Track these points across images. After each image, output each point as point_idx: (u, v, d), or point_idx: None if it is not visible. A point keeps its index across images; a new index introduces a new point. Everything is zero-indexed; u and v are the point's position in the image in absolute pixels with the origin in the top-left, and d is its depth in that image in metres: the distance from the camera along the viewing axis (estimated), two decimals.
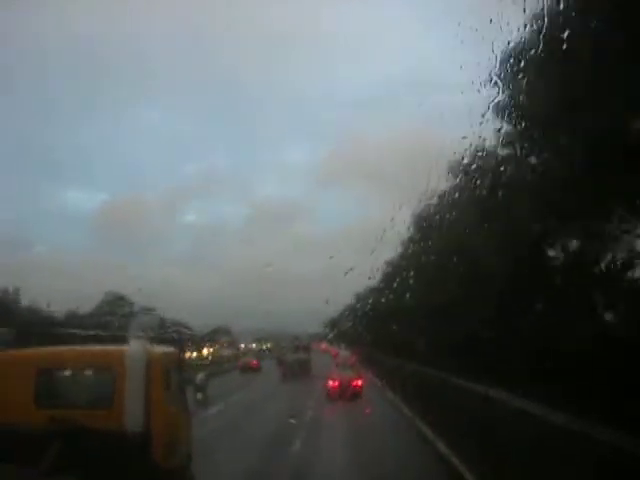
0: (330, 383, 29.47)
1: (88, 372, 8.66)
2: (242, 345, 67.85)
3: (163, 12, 79.01)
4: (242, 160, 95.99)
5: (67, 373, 8.71)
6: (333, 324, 27.56)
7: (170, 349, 10.63)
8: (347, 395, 28.03)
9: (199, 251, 70.52)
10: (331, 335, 37.32)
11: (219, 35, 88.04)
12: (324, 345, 55.20)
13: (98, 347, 9.68)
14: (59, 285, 44.67)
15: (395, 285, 25.91)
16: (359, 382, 29.79)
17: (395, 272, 28.19)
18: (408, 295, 23.91)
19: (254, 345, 71.36)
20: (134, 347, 8.23)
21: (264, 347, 72.44)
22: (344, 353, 42.15)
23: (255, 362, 50.11)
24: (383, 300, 28.11)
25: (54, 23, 71.87)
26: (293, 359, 42.34)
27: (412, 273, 24.12)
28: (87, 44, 74.20)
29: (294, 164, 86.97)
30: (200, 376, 21.72)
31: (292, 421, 18.53)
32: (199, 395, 18.03)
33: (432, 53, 75.75)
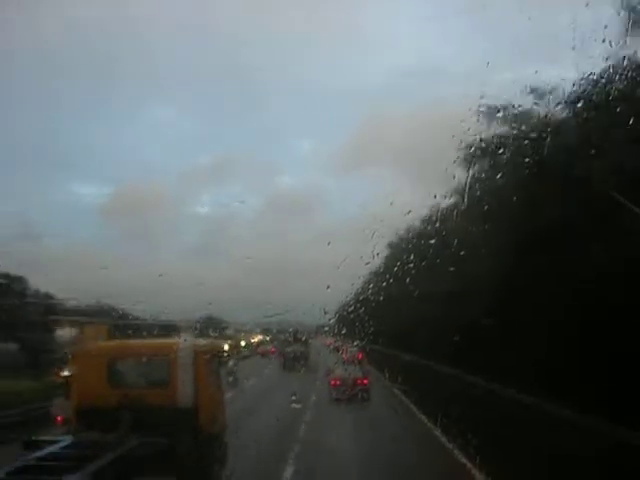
0: (332, 382, 27.48)
1: (149, 360, 11.06)
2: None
3: (174, 8, 79.94)
4: (255, 151, 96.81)
5: (133, 361, 11.12)
6: (336, 313, 27.28)
7: (210, 342, 13.10)
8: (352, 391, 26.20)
9: (209, 243, 71.90)
10: (327, 327, 34.25)
11: (231, 29, 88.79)
12: (329, 340, 54.29)
13: (157, 340, 12.08)
14: (63, 275, 45.89)
15: (395, 269, 26.26)
16: (365, 381, 27.70)
17: (395, 256, 28.53)
18: (408, 280, 24.05)
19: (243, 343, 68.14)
20: (184, 340, 10.66)
21: (247, 342, 68.20)
22: (352, 349, 38.49)
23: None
24: (384, 284, 27.50)
25: (64, 20, 72.78)
26: (291, 351, 45.13)
27: (412, 257, 24.71)
28: (98, 42, 75.26)
29: (307, 155, 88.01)
30: (230, 363, 25.18)
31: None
32: (230, 378, 21.15)
33: (442, 43, 76.43)
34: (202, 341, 12.21)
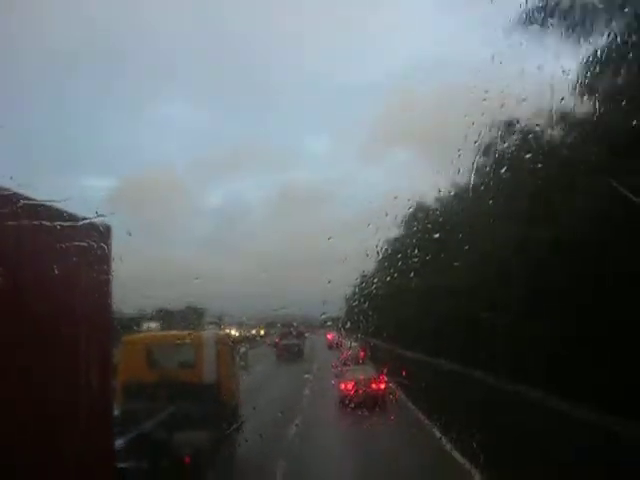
0: (342, 386, 24.13)
1: (180, 346, 13.90)
2: None
3: (181, 6, 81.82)
4: (264, 146, 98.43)
5: (167, 347, 13.98)
6: (340, 307, 27.40)
7: (227, 333, 16.04)
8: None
9: (217, 236, 73.66)
10: (330, 322, 32.41)
11: (244, 24, 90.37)
12: (331, 335, 54.76)
13: (185, 331, 14.92)
14: None
15: (399, 263, 26.81)
16: (381, 385, 24.54)
17: (400, 250, 28.78)
18: (412, 274, 21.92)
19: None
20: (208, 331, 13.58)
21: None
22: (354, 344, 35.07)
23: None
24: (388, 279, 24.61)
25: (72, 18, 74.88)
26: (286, 344, 47.25)
27: (416, 251, 25.07)
28: (106, 40, 77.18)
29: (316, 150, 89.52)
30: (242, 349, 28.65)
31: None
32: (242, 362, 24.12)
33: (450, 34, 76.88)
34: (222, 332, 15.15)
